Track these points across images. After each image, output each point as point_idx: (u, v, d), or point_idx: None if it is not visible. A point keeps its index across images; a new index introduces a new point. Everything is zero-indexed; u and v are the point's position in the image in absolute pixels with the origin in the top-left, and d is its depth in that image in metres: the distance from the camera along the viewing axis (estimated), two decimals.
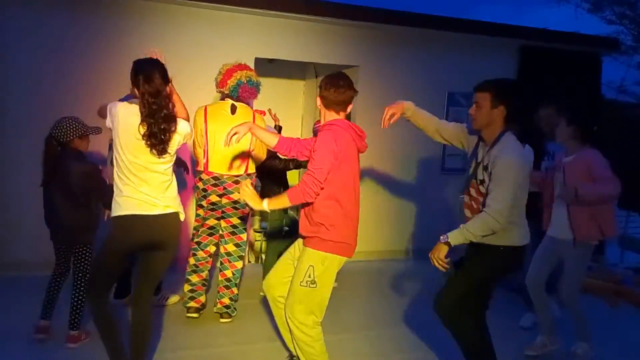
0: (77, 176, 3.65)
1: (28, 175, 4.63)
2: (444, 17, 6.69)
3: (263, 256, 5.93)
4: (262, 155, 4.46)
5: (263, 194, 4.96)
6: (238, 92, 4.25)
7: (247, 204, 3.32)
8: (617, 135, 7.38)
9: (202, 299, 4.50)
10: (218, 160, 4.25)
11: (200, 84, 5.49)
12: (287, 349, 3.66)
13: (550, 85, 6.72)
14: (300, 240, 3.36)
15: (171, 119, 3.00)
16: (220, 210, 4.33)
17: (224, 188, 4.26)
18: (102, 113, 4.06)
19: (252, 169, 4.39)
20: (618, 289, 5.69)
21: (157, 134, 2.94)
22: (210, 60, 5.44)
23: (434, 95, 6.71)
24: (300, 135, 7.59)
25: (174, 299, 4.75)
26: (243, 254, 4.50)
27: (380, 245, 6.58)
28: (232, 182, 4.26)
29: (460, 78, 6.69)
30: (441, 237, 3.06)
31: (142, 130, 2.93)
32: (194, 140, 4.29)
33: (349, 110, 3.25)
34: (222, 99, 4.38)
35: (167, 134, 2.98)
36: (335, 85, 3.14)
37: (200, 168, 4.32)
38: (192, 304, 4.44)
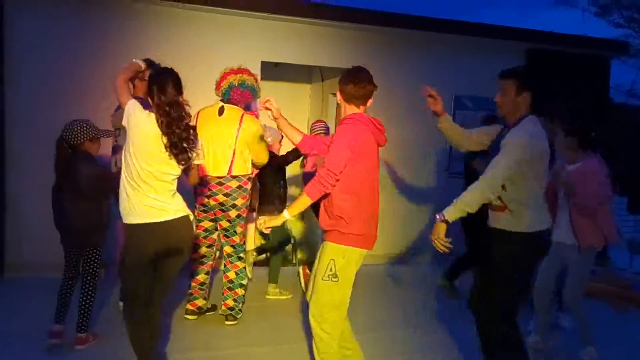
0: (87, 179, 3.65)
1: (36, 177, 4.67)
2: (450, 20, 6.69)
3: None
4: (261, 157, 4.45)
5: (264, 193, 4.98)
6: (230, 94, 4.32)
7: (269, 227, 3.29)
8: (627, 138, 7.35)
9: (199, 302, 4.51)
10: (205, 162, 4.27)
11: (207, 87, 5.47)
12: None
13: (557, 89, 6.69)
14: None
15: (189, 128, 3.03)
16: (212, 212, 4.34)
17: (209, 189, 4.26)
18: (115, 122, 4.08)
19: (238, 170, 4.30)
20: (627, 294, 5.64)
21: (178, 144, 2.96)
22: (215, 63, 5.44)
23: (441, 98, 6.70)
24: None
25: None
26: (242, 255, 4.49)
27: (385, 249, 6.55)
28: (216, 183, 4.26)
29: (467, 81, 6.70)
30: (437, 216, 3.01)
31: (165, 141, 2.95)
32: None
33: (369, 104, 3.27)
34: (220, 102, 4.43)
35: (188, 143, 3.00)
36: (356, 80, 3.16)
37: None
38: (188, 306, 4.50)
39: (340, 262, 3.13)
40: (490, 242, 3.23)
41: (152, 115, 2.98)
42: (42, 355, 3.69)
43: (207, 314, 4.59)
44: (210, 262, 4.57)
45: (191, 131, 3.05)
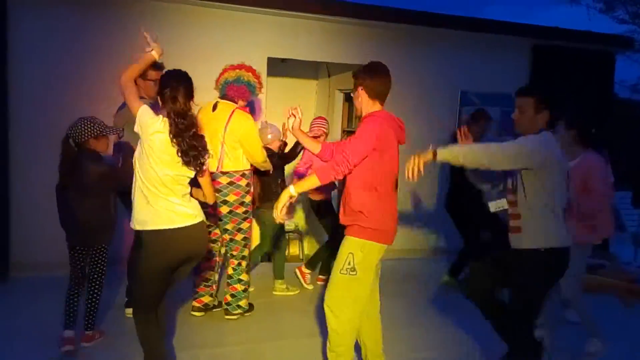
0: (94, 177, 3.64)
1: (40, 177, 4.67)
2: (457, 16, 6.67)
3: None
4: (255, 157, 4.31)
5: (264, 192, 4.96)
6: (225, 90, 4.31)
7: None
8: (631, 134, 7.34)
9: (205, 299, 4.51)
10: None
11: (213, 85, 5.50)
12: None
13: (563, 84, 6.68)
14: None
15: (199, 137, 3.04)
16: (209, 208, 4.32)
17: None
18: (118, 121, 4.07)
19: (229, 166, 4.24)
20: (632, 288, 5.64)
21: (188, 152, 2.97)
22: (222, 60, 5.41)
23: (447, 95, 6.70)
24: None
25: None
26: (234, 252, 4.42)
27: (396, 244, 6.51)
28: None
29: (473, 77, 6.68)
30: (431, 146, 3.08)
31: (176, 147, 2.96)
32: None
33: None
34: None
35: (198, 151, 3.01)
36: (381, 75, 3.18)
37: None
38: (194, 303, 4.53)
39: (359, 256, 3.13)
40: (510, 265, 3.24)
41: (166, 121, 2.98)
42: (50, 354, 3.67)
43: (214, 310, 4.59)
44: (215, 258, 4.57)
45: (200, 140, 3.05)
